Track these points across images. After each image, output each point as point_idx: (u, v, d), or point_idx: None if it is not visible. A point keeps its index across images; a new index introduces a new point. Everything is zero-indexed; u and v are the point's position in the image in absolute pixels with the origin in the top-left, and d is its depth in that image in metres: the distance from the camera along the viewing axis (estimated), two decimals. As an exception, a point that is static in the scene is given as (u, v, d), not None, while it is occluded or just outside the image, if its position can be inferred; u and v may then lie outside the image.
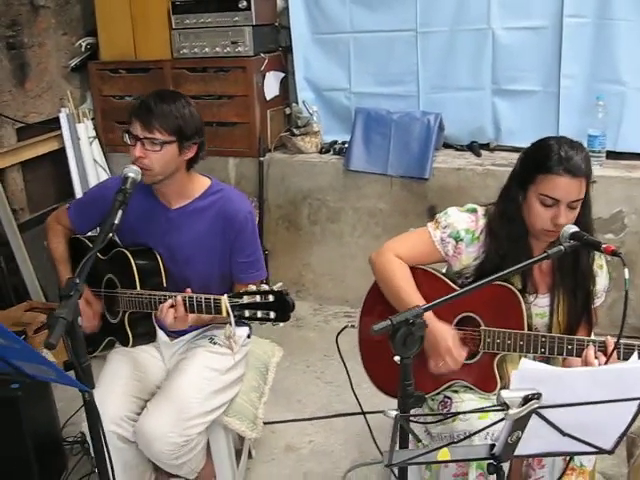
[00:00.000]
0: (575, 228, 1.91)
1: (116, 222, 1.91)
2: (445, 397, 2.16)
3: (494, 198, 3.62)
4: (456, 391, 2.14)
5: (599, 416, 1.43)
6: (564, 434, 1.46)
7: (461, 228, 2.13)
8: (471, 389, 2.12)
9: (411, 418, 1.63)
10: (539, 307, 2.12)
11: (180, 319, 2.06)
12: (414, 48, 3.95)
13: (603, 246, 1.80)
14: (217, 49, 3.89)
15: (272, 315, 1.92)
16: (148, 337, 2.36)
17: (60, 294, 1.56)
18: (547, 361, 2.16)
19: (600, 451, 1.53)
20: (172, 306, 2.06)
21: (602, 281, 2.15)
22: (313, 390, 3.39)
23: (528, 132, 3.88)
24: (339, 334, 2.24)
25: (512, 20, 3.73)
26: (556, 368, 1.40)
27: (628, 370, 1.38)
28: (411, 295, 2.09)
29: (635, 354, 1.76)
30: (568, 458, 1.92)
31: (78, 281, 1.58)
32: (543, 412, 1.38)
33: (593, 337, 1.99)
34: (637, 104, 3.62)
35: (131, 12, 4.02)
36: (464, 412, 1.97)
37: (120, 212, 1.94)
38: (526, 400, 1.33)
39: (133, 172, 2.09)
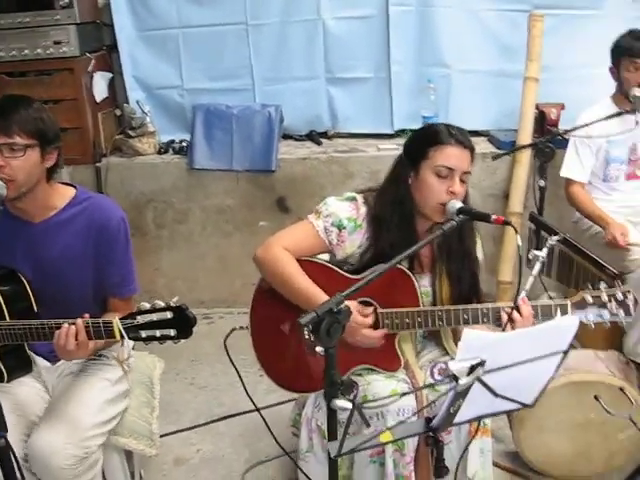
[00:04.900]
0: (460, 203, 2.01)
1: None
2: (350, 382, 2.18)
3: (341, 184, 3.81)
4: (360, 374, 2.17)
5: (527, 373, 1.52)
6: (497, 396, 1.53)
7: (343, 216, 2.15)
8: (374, 370, 2.17)
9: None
10: (423, 286, 2.19)
11: (82, 346, 1.89)
12: (246, 41, 3.94)
13: (493, 217, 1.90)
14: (38, 50, 3.60)
15: (173, 333, 1.83)
16: (24, 368, 2.13)
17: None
18: (437, 332, 2.28)
19: (524, 406, 1.64)
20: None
21: (479, 256, 2.27)
22: (188, 397, 3.28)
23: (364, 118, 4.07)
24: (227, 338, 2.18)
25: (341, 10, 3.84)
26: (497, 333, 1.46)
27: (558, 326, 1.48)
28: (307, 285, 2.09)
29: (559, 312, 1.89)
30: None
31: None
32: (484, 378, 1.44)
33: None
34: (461, 85, 3.90)
35: None
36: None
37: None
38: (473, 368, 1.38)
39: None
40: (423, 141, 2.10)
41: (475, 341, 1.39)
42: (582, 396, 2.43)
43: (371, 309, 2.09)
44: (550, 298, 3.04)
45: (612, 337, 3.03)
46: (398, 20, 3.78)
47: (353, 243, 2.16)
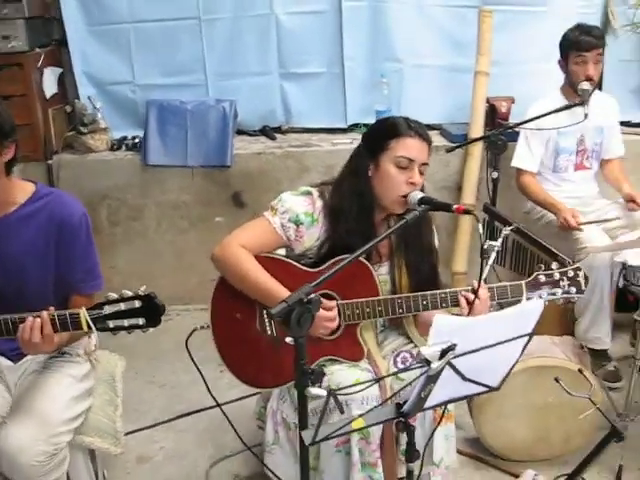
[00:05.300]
0: (422, 194, 2.05)
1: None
2: (314, 373, 2.20)
3: (296, 178, 3.82)
4: (323, 365, 2.19)
5: (494, 357, 1.56)
6: (465, 379, 1.58)
7: (300, 212, 2.16)
8: (337, 360, 2.18)
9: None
10: (381, 275, 2.22)
11: (48, 339, 1.87)
12: (199, 36, 3.91)
13: (454, 206, 1.94)
14: (-14, 46, 3.52)
15: (141, 322, 1.83)
16: (-16, 368, 2.10)
17: None
18: (399, 321, 2.31)
19: (490, 389, 1.68)
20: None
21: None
22: (149, 396, 3.25)
23: (317, 112, 4.10)
24: (189, 337, 2.16)
25: (294, 5, 3.86)
26: (466, 318, 1.49)
27: (523, 310, 1.53)
28: (267, 281, 2.10)
29: (524, 295, 1.94)
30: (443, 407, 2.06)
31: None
32: (454, 362, 1.48)
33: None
34: (414, 80, 3.96)
35: None
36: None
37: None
38: (444, 352, 1.42)
39: None
40: (383, 133, 2.13)
41: (446, 326, 1.43)
42: (540, 380, 2.50)
43: (334, 302, 2.11)
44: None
45: (565, 324, 3.13)
46: (351, 15, 3.82)
47: (311, 237, 2.17)
